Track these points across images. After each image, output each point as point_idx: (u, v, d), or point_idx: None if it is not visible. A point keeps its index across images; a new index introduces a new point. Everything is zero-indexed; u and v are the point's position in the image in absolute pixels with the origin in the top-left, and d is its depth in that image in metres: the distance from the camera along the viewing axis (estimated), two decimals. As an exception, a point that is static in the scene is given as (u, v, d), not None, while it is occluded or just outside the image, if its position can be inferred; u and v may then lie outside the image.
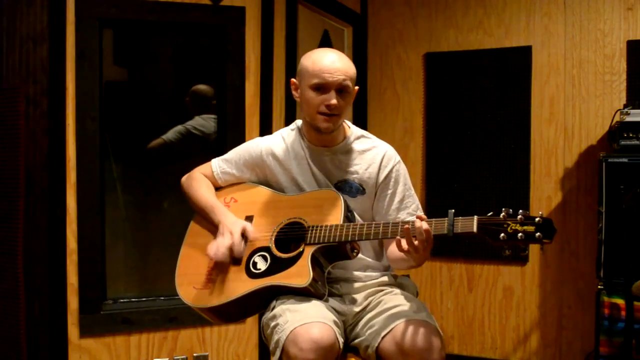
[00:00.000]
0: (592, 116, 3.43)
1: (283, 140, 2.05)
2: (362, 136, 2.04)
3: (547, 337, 3.54)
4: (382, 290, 1.97)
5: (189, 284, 1.95)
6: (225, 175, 2.10)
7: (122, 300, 2.96)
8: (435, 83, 3.75)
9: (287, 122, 3.14)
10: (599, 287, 2.98)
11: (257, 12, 3.06)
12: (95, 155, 2.81)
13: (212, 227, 2.01)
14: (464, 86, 3.67)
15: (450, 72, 3.70)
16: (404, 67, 3.84)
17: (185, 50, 3.33)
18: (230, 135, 3.02)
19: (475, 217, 1.65)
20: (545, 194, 3.52)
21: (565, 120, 3.49)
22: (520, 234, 1.60)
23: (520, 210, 1.62)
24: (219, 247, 1.90)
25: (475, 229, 1.64)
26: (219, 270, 1.93)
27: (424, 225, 1.67)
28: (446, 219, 1.67)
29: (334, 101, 1.86)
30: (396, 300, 1.89)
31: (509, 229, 1.61)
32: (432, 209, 3.61)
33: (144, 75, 3.28)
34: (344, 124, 2.02)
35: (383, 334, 1.76)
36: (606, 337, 2.93)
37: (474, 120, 3.63)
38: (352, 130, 2.04)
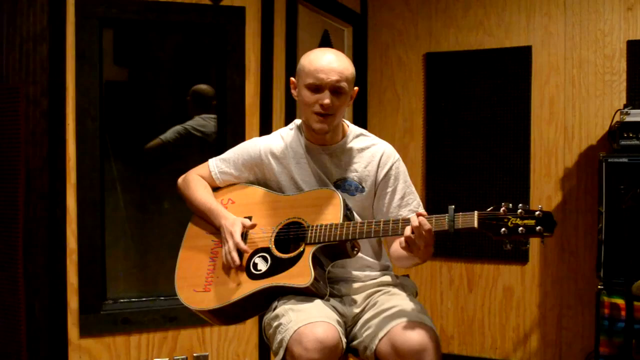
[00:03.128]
0: (592, 116, 3.43)
1: (282, 139, 2.05)
2: (361, 134, 2.05)
3: (547, 337, 3.54)
4: (379, 290, 1.97)
5: (189, 287, 1.95)
6: (224, 175, 2.10)
7: (122, 300, 2.96)
8: (435, 83, 3.75)
9: (287, 122, 3.14)
10: (599, 287, 2.97)
11: (257, 12, 3.06)
12: (95, 155, 2.81)
13: (211, 228, 2.02)
14: (464, 86, 3.67)
15: (450, 72, 3.70)
16: (404, 67, 3.84)
17: (185, 50, 3.33)
18: (230, 135, 3.01)
19: (476, 213, 1.66)
20: (545, 194, 3.52)
21: (565, 120, 3.49)
22: (521, 228, 1.60)
23: (520, 205, 1.63)
24: (226, 254, 1.90)
25: (476, 224, 1.64)
26: (219, 272, 1.93)
27: (424, 221, 1.67)
28: (447, 215, 1.67)
29: (327, 101, 1.86)
30: (393, 300, 1.88)
31: (509, 223, 1.61)
32: (431, 209, 3.59)
33: (144, 75, 3.28)
34: (342, 123, 2.02)
35: (380, 336, 1.76)
36: (606, 337, 2.92)
37: (473, 120, 3.63)
38: (351, 128, 2.04)
